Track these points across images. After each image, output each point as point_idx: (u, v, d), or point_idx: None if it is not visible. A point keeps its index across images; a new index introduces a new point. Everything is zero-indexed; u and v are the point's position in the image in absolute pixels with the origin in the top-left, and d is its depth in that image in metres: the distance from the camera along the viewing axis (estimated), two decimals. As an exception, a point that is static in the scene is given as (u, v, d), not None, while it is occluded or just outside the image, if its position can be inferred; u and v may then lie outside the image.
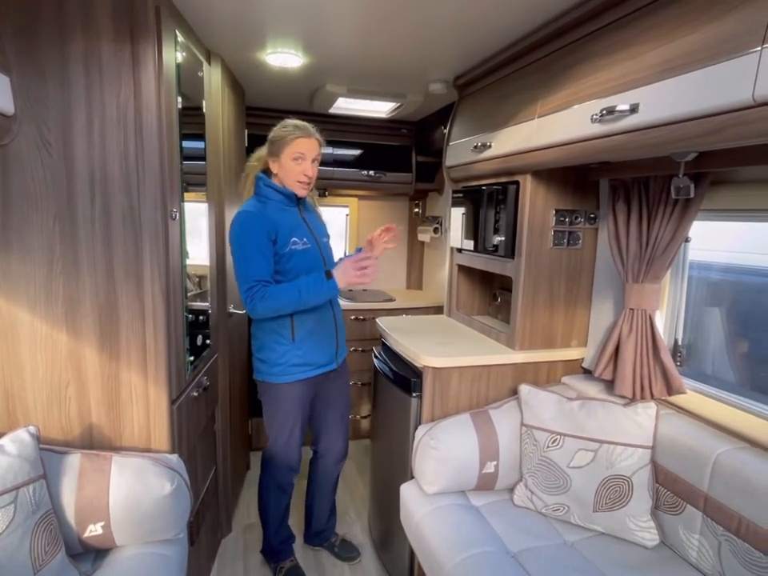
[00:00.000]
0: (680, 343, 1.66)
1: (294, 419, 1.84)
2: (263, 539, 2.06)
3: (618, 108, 1.21)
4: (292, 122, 1.71)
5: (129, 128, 1.32)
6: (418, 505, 1.63)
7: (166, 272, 1.40)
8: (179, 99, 1.48)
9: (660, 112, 1.12)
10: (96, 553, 1.31)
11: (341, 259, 1.76)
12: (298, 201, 1.79)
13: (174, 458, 1.41)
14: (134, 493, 1.27)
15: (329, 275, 1.66)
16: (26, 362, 1.37)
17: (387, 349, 2.10)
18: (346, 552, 2.17)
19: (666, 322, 1.69)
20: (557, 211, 1.81)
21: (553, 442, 1.57)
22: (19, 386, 1.38)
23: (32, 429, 1.21)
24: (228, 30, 1.74)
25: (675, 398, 1.58)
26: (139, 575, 1.24)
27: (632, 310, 1.59)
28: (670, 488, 1.42)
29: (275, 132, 1.71)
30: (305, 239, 1.75)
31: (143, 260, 1.38)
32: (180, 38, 1.50)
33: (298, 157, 1.68)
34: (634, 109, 1.18)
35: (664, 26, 1.15)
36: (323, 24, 1.67)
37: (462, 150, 2.11)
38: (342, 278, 1.65)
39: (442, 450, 1.60)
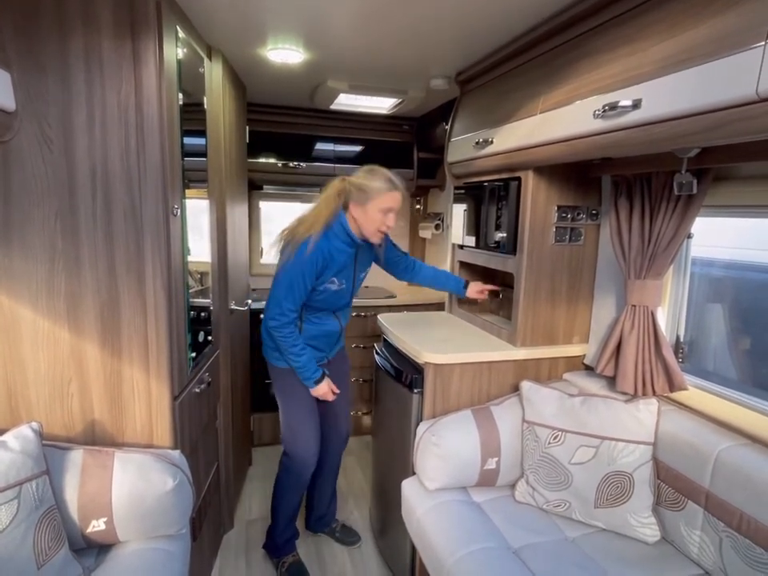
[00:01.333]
0: (682, 339, 1.66)
1: (303, 397, 1.90)
2: (268, 535, 2.08)
3: (620, 103, 1.20)
4: (386, 173, 1.71)
5: (130, 124, 1.32)
6: (419, 501, 1.64)
7: (168, 268, 1.40)
8: (180, 95, 1.48)
9: (662, 108, 1.11)
10: (99, 548, 1.32)
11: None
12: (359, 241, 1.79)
13: (177, 453, 1.42)
14: (136, 489, 1.27)
15: (322, 379, 1.85)
16: (29, 358, 1.37)
17: (388, 345, 2.10)
18: (347, 537, 2.21)
19: (668, 318, 1.68)
20: (559, 207, 1.80)
21: (554, 439, 1.57)
22: (22, 382, 1.38)
23: (35, 425, 1.22)
24: (229, 25, 1.73)
25: (677, 395, 1.58)
26: (142, 570, 1.25)
27: (634, 306, 1.59)
28: (672, 484, 1.42)
29: (366, 181, 1.69)
30: (343, 281, 1.82)
31: (145, 256, 1.38)
32: (181, 34, 1.50)
33: (387, 210, 1.69)
34: (636, 104, 1.17)
35: (666, 21, 1.14)
36: (324, 20, 1.67)
37: (463, 146, 2.10)
38: (321, 389, 1.85)
39: (444, 447, 1.60)
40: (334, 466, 2.16)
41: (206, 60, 1.84)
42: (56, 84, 1.27)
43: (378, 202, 1.68)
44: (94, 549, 1.31)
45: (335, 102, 2.73)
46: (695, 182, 1.34)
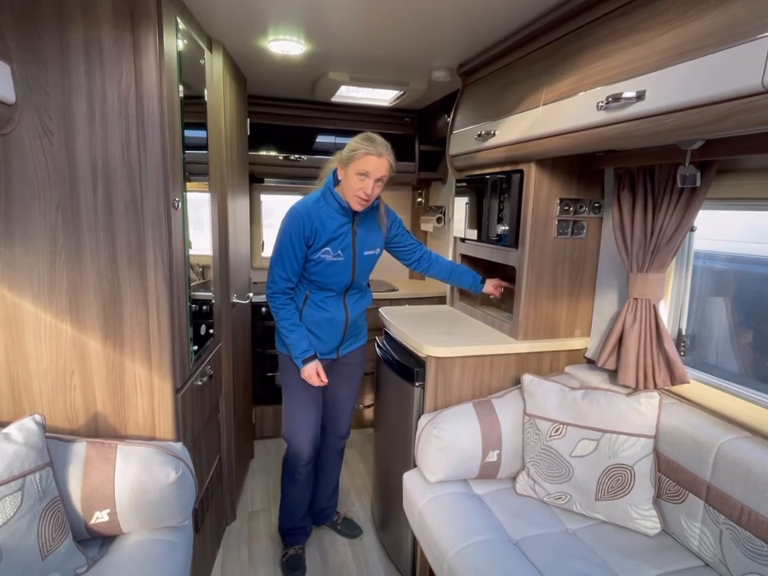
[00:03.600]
0: (684, 333, 1.66)
1: (303, 390, 1.88)
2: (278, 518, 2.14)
3: (624, 95, 1.19)
4: (372, 137, 1.67)
5: (130, 116, 1.32)
6: (420, 493, 1.64)
7: (169, 261, 1.40)
8: (181, 87, 1.47)
9: (667, 99, 1.11)
10: (103, 539, 1.33)
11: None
12: (355, 212, 1.75)
13: (179, 446, 1.43)
14: (139, 481, 1.28)
15: (310, 359, 1.79)
16: (31, 351, 1.37)
17: (390, 338, 2.10)
18: (349, 529, 2.23)
19: (670, 311, 1.68)
20: (561, 200, 1.79)
21: (555, 432, 1.57)
22: (25, 374, 1.39)
23: (38, 417, 1.22)
24: (229, 16, 1.72)
25: (678, 388, 1.58)
26: (145, 561, 1.26)
27: (636, 299, 1.59)
28: (672, 477, 1.43)
29: (352, 142, 1.69)
30: (339, 252, 1.76)
31: (146, 249, 1.38)
32: (181, 25, 1.49)
33: (362, 173, 1.65)
34: (640, 96, 1.16)
35: (671, 12, 1.13)
36: (325, 11, 1.65)
37: (465, 138, 2.09)
38: (307, 371, 1.79)
39: (445, 439, 1.60)
40: (332, 460, 2.16)
41: (206, 52, 1.83)
42: (56, 76, 1.26)
43: (355, 165, 1.65)
44: (98, 540, 1.32)
45: (336, 94, 2.72)
46: (699, 174, 1.34)
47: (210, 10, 1.66)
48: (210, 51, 1.91)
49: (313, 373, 1.79)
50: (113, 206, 1.34)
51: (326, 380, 1.82)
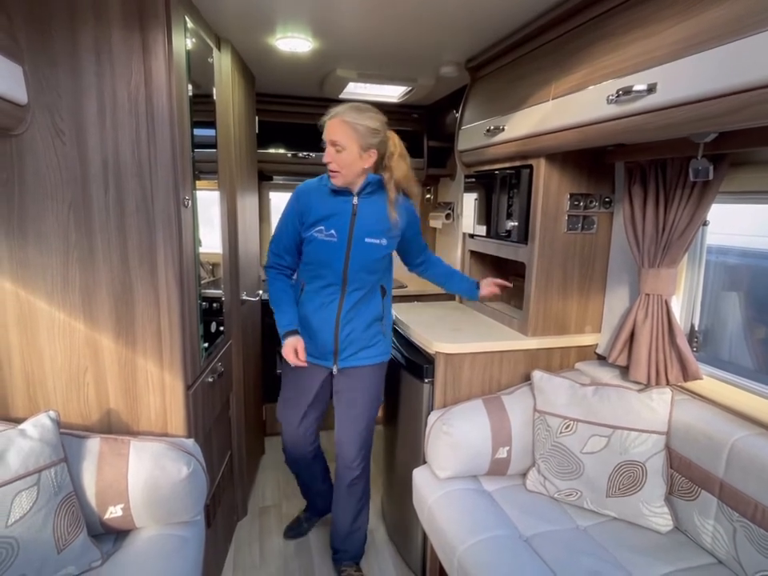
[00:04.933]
0: (696, 328, 1.64)
1: (295, 380, 1.83)
2: None
3: (634, 88, 1.17)
4: (344, 105, 1.62)
5: (140, 115, 1.32)
6: (430, 489, 1.65)
7: (180, 259, 1.41)
8: (189, 86, 1.48)
9: (679, 91, 1.09)
10: (117, 534, 1.35)
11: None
12: (360, 191, 1.67)
13: (190, 442, 1.44)
14: (151, 476, 1.29)
15: (291, 334, 1.68)
16: (45, 348, 1.39)
17: (399, 335, 2.10)
18: None
19: (683, 307, 1.66)
20: (571, 195, 1.78)
21: (566, 428, 1.57)
22: (39, 371, 1.41)
23: (52, 413, 1.24)
24: (238, 14, 1.72)
25: (691, 384, 1.57)
26: (159, 556, 1.27)
27: (648, 295, 1.57)
28: (685, 474, 1.41)
29: None
30: (332, 231, 1.66)
31: (157, 247, 1.39)
32: (189, 24, 1.49)
33: (327, 141, 1.61)
34: (651, 88, 1.15)
35: (682, 3, 1.11)
36: (333, 8, 1.65)
37: (474, 133, 2.08)
38: (285, 347, 1.68)
39: (455, 436, 1.60)
40: (341, 494, 1.92)
41: (214, 50, 1.83)
42: (67, 76, 1.27)
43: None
44: (112, 534, 1.34)
45: (344, 91, 2.72)
46: (711, 167, 1.32)
47: (219, 8, 1.66)
48: (219, 49, 1.91)
49: (290, 349, 1.65)
50: (124, 205, 1.36)
51: (303, 359, 1.66)
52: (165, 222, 1.38)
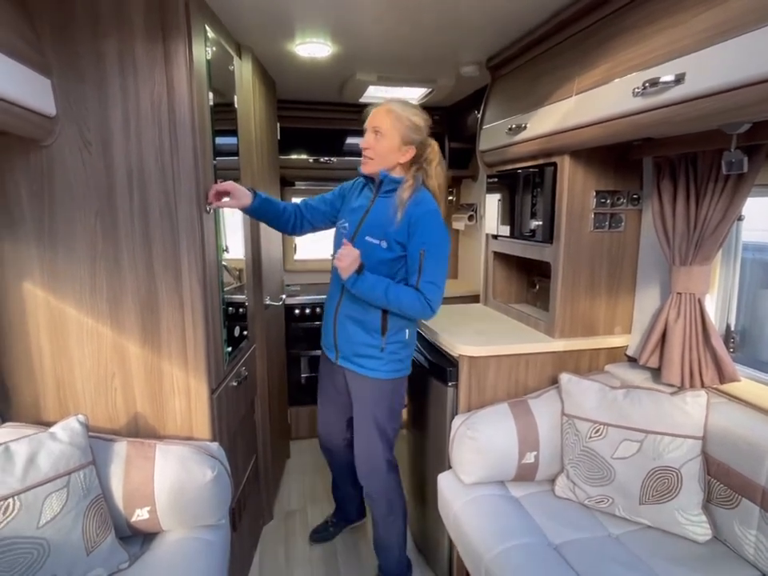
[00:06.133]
0: (733, 328, 1.57)
1: (321, 378, 1.93)
2: None
3: (661, 79, 1.14)
4: (391, 99, 1.67)
5: (163, 124, 1.35)
6: (455, 495, 1.62)
7: (203, 265, 1.42)
8: (211, 95, 1.50)
9: (708, 81, 1.05)
10: (144, 536, 1.36)
11: None
12: (378, 189, 1.68)
13: (215, 446, 1.45)
14: (177, 479, 1.31)
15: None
16: (75, 354, 1.43)
17: (422, 338, 2.08)
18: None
19: (717, 306, 1.59)
20: (597, 193, 1.73)
21: (595, 432, 1.52)
22: (69, 376, 1.44)
23: (81, 417, 1.27)
24: (258, 23, 1.74)
25: (728, 387, 1.50)
26: (185, 559, 1.28)
27: (680, 294, 1.51)
28: (723, 481, 1.35)
29: None
30: (347, 224, 1.71)
31: (180, 254, 1.41)
32: (210, 34, 1.51)
33: (365, 128, 1.64)
34: (679, 79, 1.10)
35: (711, -11, 1.07)
36: (351, 11, 1.65)
37: (496, 133, 2.05)
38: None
39: (480, 440, 1.57)
40: (368, 501, 1.89)
41: (235, 58, 1.86)
42: (93, 88, 1.31)
43: None
44: (140, 537, 1.36)
45: (364, 94, 2.72)
46: (746, 159, 1.26)
47: (239, 16, 1.68)
48: (240, 57, 1.94)
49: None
50: (148, 213, 1.38)
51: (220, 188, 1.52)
52: (188, 229, 1.40)
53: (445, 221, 1.64)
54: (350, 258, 1.53)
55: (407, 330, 1.70)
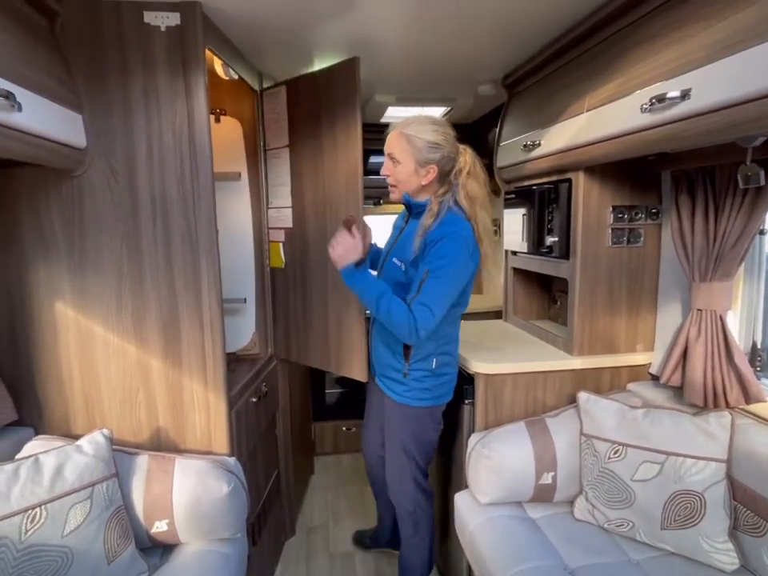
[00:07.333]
0: (759, 346, 1.51)
1: (366, 398, 1.97)
2: None
3: (668, 95, 1.13)
4: (411, 116, 1.59)
5: (184, 154, 1.43)
6: (471, 514, 1.60)
7: (221, 284, 1.48)
8: (231, 122, 1.58)
9: (716, 95, 1.03)
10: (164, 548, 1.41)
11: None
12: (410, 211, 1.66)
13: (232, 460, 1.49)
14: (194, 493, 1.35)
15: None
16: (102, 370, 1.51)
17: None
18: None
19: (742, 323, 1.54)
20: (614, 208, 1.71)
21: (614, 453, 1.48)
22: (96, 392, 1.52)
23: (105, 431, 1.33)
24: (277, 53, 1.82)
25: (754, 407, 1.43)
26: (200, 571, 1.32)
27: (700, 310, 1.47)
28: (751, 507, 1.29)
29: None
30: (385, 243, 1.80)
31: (201, 275, 1.47)
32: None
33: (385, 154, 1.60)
34: (685, 95, 1.09)
35: (714, 5, 1.06)
36: (368, 35, 1.70)
37: (511, 149, 2.06)
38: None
39: (496, 459, 1.55)
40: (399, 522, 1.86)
41: (256, 86, 1.95)
42: (120, 122, 1.40)
43: None
44: (159, 548, 1.41)
45: (385, 115, 2.78)
46: (762, 173, 1.22)
47: (258, 47, 1.76)
48: (261, 83, 2.02)
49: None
50: (170, 236, 1.46)
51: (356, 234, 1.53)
52: (207, 251, 1.46)
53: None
54: (342, 247, 1.48)
55: (434, 359, 1.61)
